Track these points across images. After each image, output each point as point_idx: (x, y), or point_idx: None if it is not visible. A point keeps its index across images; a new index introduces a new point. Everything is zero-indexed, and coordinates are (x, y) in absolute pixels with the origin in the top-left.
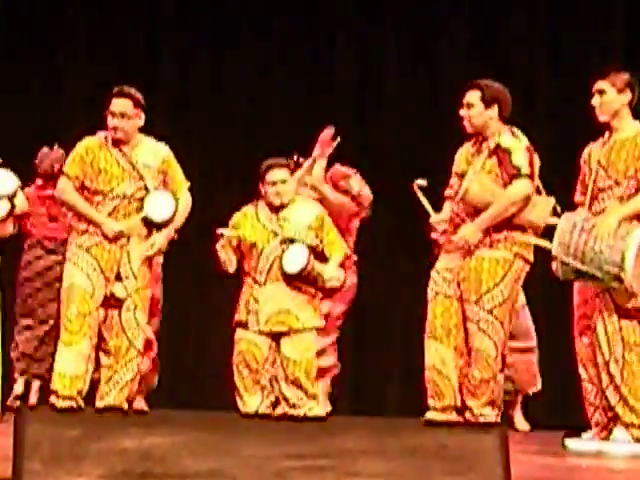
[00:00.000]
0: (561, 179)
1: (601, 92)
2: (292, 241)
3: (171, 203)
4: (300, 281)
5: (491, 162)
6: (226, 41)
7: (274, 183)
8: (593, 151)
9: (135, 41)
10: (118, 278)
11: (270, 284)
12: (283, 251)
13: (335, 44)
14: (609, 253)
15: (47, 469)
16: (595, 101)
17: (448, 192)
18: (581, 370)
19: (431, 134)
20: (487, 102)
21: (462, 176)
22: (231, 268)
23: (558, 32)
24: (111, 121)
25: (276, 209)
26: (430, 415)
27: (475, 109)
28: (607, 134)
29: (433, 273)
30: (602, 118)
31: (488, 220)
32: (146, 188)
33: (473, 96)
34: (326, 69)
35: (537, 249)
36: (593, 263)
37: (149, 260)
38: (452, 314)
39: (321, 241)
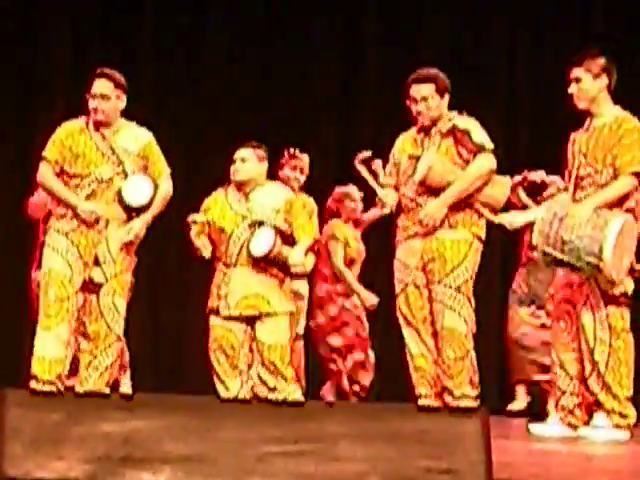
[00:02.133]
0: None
1: (577, 80)
2: (261, 224)
3: (149, 188)
4: (268, 264)
5: (447, 144)
6: (207, 26)
7: (234, 161)
8: (577, 138)
9: (116, 26)
10: (97, 263)
11: (240, 268)
12: (251, 234)
13: (315, 29)
14: (588, 243)
15: (28, 453)
16: (572, 89)
17: (388, 180)
18: (553, 355)
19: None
20: (441, 93)
21: (416, 159)
22: (207, 253)
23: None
24: (91, 103)
25: (245, 192)
26: (423, 402)
27: (433, 101)
28: (588, 121)
29: (396, 263)
30: (581, 105)
31: (454, 195)
32: (125, 173)
33: (427, 89)
34: (310, 53)
35: (501, 231)
36: (572, 253)
37: (128, 245)
38: (424, 302)
39: (290, 225)
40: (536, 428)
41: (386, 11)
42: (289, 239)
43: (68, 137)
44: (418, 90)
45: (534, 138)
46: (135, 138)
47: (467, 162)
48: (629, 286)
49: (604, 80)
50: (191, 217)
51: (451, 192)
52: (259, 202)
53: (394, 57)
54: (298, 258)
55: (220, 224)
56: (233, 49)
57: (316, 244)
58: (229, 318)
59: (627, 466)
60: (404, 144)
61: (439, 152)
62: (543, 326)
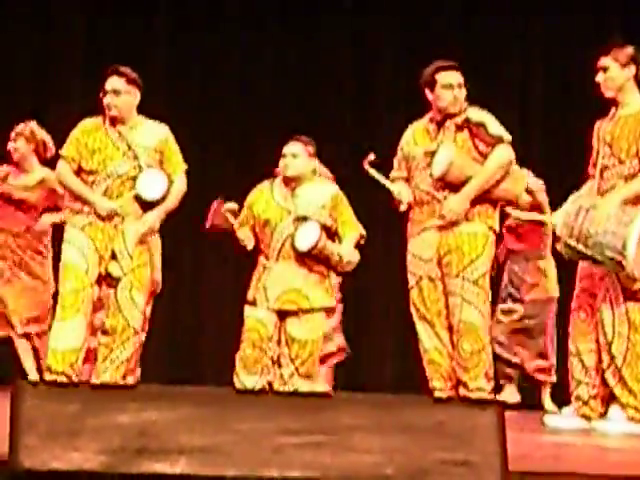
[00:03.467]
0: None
1: (605, 69)
2: (305, 219)
3: (164, 182)
4: (312, 259)
5: (462, 136)
6: (221, 24)
7: (285, 155)
8: (602, 127)
9: (131, 23)
10: (114, 257)
11: (282, 262)
12: (296, 229)
13: (326, 24)
14: (611, 239)
15: (44, 444)
16: (599, 78)
17: (398, 174)
18: (570, 344)
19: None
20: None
21: (431, 154)
22: (250, 245)
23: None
24: (105, 99)
25: (291, 186)
26: (437, 395)
27: (463, 90)
28: (613, 109)
29: (409, 257)
30: (608, 94)
31: (476, 189)
32: (140, 168)
33: (460, 77)
34: (321, 47)
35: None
36: (596, 248)
37: (144, 240)
38: (439, 296)
39: (335, 220)
40: (551, 420)
41: (396, 6)
42: (334, 235)
43: (84, 134)
44: (455, 77)
45: (548, 138)
46: (151, 133)
47: (482, 155)
48: None
49: (632, 69)
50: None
51: (473, 186)
52: (305, 198)
53: (407, 54)
54: (349, 253)
55: (265, 217)
56: (246, 46)
57: (362, 239)
58: (265, 310)
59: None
60: (415, 136)
61: (455, 145)
62: (519, 321)
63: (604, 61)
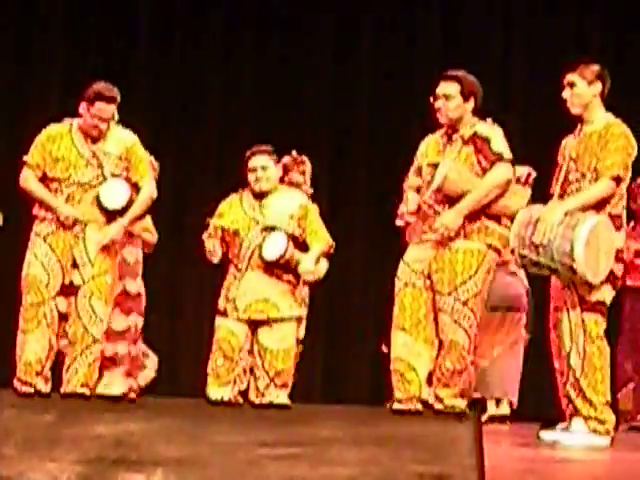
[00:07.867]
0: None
1: (571, 85)
2: (273, 229)
3: (126, 191)
4: (280, 269)
5: (467, 151)
6: (201, 27)
7: (254, 169)
8: (568, 144)
9: (113, 28)
10: (76, 266)
11: (251, 272)
12: (263, 239)
13: (312, 29)
14: (560, 243)
15: (21, 454)
16: (566, 94)
17: (411, 183)
18: (555, 362)
19: (398, 125)
20: (465, 95)
21: (435, 166)
22: (215, 259)
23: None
24: (90, 120)
25: (259, 197)
26: (396, 407)
27: (453, 101)
28: (579, 126)
29: (401, 264)
30: (574, 111)
31: (470, 205)
32: (104, 176)
33: (451, 88)
34: (302, 55)
35: None
36: (547, 254)
37: (107, 248)
38: (421, 305)
39: (303, 230)
40: (547, 435)
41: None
42: (302, 245)
43: (49, 141)
44: (442, 87)
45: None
46: (118, 141)
47: (484, 170)
48: (608, 295)
49: (598, 87)
50: (209, 220)
51: (466, 202)
52: (274, 207)
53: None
54: (308, 266)
55: (234, 227)
56: (229, 52)
57: (330, 249)
58: (235, 320)
59: (606, 471)
60: (427, 149)
61: (458, 159)
62: None
63: (571, 77)
